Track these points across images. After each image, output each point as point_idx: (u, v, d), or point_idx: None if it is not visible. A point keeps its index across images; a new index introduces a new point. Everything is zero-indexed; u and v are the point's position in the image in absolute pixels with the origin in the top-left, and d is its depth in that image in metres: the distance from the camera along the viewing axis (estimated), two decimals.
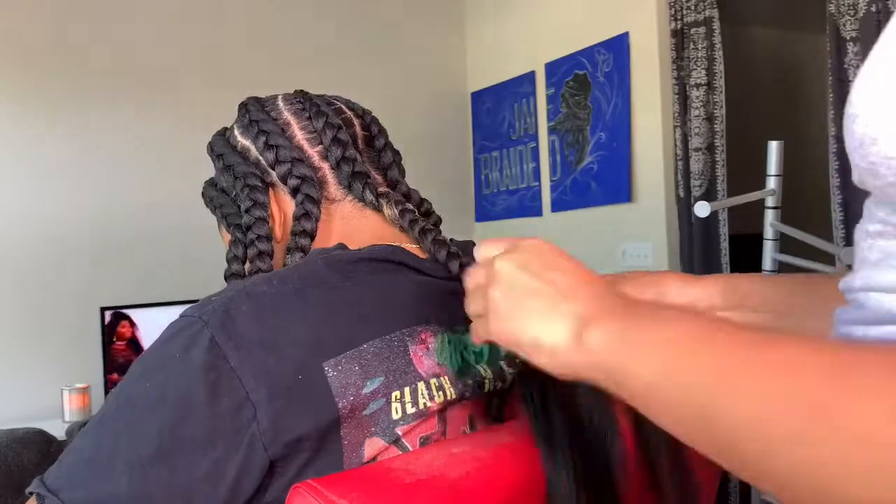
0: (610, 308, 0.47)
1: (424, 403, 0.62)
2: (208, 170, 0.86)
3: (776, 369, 0.36)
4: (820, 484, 0.33)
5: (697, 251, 2.51)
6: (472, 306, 0.57)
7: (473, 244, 0.80)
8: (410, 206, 0.77)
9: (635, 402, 0.44)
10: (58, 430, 2.09)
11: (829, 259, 2.07)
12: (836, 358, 0.35)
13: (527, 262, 0.52)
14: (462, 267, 0.71)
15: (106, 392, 2.52)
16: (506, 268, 0.52)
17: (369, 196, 0.77)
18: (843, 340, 0.42)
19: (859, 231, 0.47)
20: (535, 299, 0.50)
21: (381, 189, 0.78)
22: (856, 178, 0.44)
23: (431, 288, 0.70)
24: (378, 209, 0.77)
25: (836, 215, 2.17)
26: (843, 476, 0.32)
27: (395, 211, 0.76)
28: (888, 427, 0.31)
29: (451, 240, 0.78)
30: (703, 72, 2.51)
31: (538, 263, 0.51)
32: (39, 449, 1.64)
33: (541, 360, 0.49)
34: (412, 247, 0.74)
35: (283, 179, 0.77)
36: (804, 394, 0.34)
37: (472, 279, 0.57)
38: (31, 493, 0.58)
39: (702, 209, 1.87)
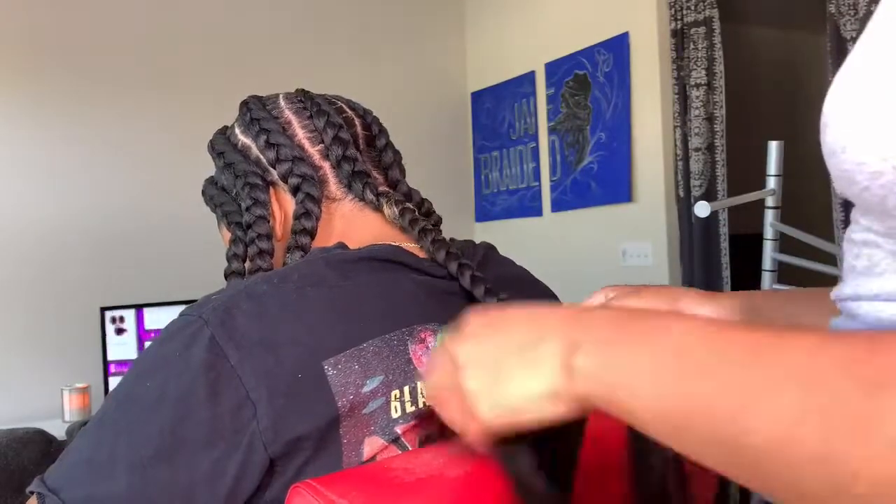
0: (586, 326, 0.43)
1: (424, 402, 0.62)
2: (209, 168, 0.86)
3: (792, 378, 0.33)
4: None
5: (697, 251, 2.51)
6: (447, 413, 0.50)
7: (473, 244, 0.80)
8: (410, 206, 0.77)
9: (643, 428, 0.39)
10: (58, 430, 2.09)
11: (829, 259, 2.07)
12: (852, 353, 0.32)
13: (479, 335, 0.48)
14: (461, 267, 0.71)
15: (106, 392, 2.52)
16: (464, 351, 0.48)
17: (369, 195, 0.77)
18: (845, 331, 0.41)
19: (846, 240, 0.47)
20: (509, 361, 0.45)
21: (382, 188, 0.78)
22: (837, 188, 0.45)
23: (431, 287, 0.70)
24: (378, 209, 0.77)
25: (837, 215, 2.17)
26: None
27: (395, 210, 0.76)
28: None
29: (451, 239, 0.78)
30: (703, 72, 2.51)
31: (489, 329, 0.47)
32: (39, 449, 1.64)
33: (547, 412, 0.44)
34: (412, 246, 0.74)
35: (284, 178, 0.77)
36: (828, 402, 0.31)
37: (435, 387, 0.51)
38: (31, 493, 0.58)
39: (702, 209, 1.87)
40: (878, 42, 0.40)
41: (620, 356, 0.40)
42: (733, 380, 0.34)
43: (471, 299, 0.74)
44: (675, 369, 0.37)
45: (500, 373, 0.45)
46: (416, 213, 0.76)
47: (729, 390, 0.34)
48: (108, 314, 2.53)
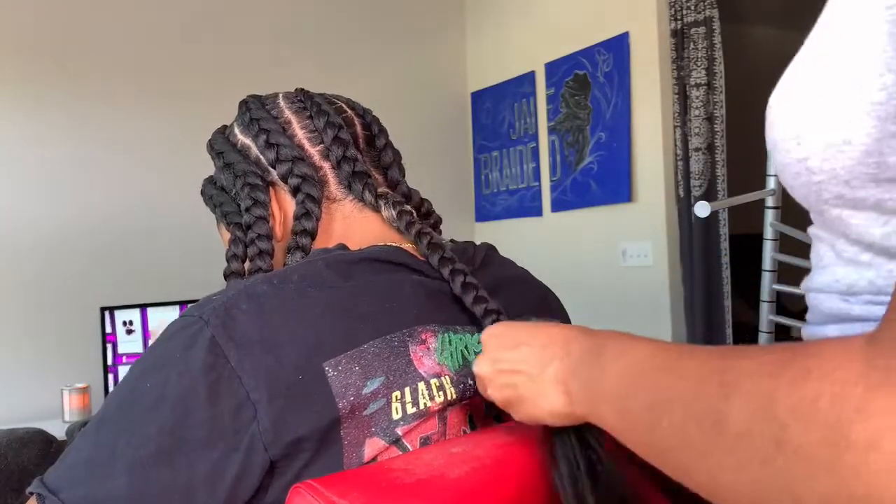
0: (578, 354, 0.52)
1: (425, 404, 0.62)
2: (209, 168, 0.86)
3: (679, 388, 0.41)
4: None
5: (697, 251, 2.51)
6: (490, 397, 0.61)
7: (474, 245, 0.80)
8: (408, 208, 0.77)
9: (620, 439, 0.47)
10: (58, 430, 2.08)
11: None
12: (717, 364, 0.39)
13: (495, 358, 0.58)
14: (453, 273, 0.70)
15: (106, 392, 2.52)
16: (485, 371, 0.59)
17: (369, 197, 0.77)
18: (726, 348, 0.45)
19: (811, 235, 0.49)
20: (523, 387, 0.55)
21: (381, 189, 0.78)
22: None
23: (432, 288, 0.70)
24: (377, 210, 0.77)
25: None
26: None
27: (393, 212, 0.76)
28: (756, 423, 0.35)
29: (450, 241, 0.78)
30: (703, 72, 2.51)
31: (502, 351, 0.57)
32: (39, 449, 1.64)
33: (565, 423, 0.54)
34: (413, 247, 0.74)
35: (284, 178, 0.77)
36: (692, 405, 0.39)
37: (479, 376, 0.61)
38: (31, 493, 0.58)
39: (702, 209, 1.87)
40: (810, 41, 0.43)
41: (594, 382, 0.49)
42: (649, 400, 0.42)
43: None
44: (620, 394, 0.46)
45: (518, 396, 0.56)
46: (414, 216, 0.76)
47: (649, 408, 0.42)
48: (118, 315, 2.53)
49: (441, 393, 0.63)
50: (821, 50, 0.42)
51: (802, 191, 0.43)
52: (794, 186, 0.43)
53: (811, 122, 0.41)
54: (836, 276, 0.45)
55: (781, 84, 0.45)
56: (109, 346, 2.52)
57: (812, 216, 0.47)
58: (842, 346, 0.33)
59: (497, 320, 0.67)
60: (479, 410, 0.68)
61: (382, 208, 0.76)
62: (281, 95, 0.83)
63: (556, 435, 0.55)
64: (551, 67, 3.04)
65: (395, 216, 0.76)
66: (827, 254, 0.46)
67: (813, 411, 0.32)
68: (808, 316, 0.49)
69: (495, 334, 0.60)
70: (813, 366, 0.33)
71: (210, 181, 0.85)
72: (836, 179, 0.40)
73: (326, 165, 0.78)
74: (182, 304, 2.59)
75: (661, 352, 0.44)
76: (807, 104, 0.41)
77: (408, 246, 0.74)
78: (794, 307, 2.56)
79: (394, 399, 0.61)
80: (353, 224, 0.77)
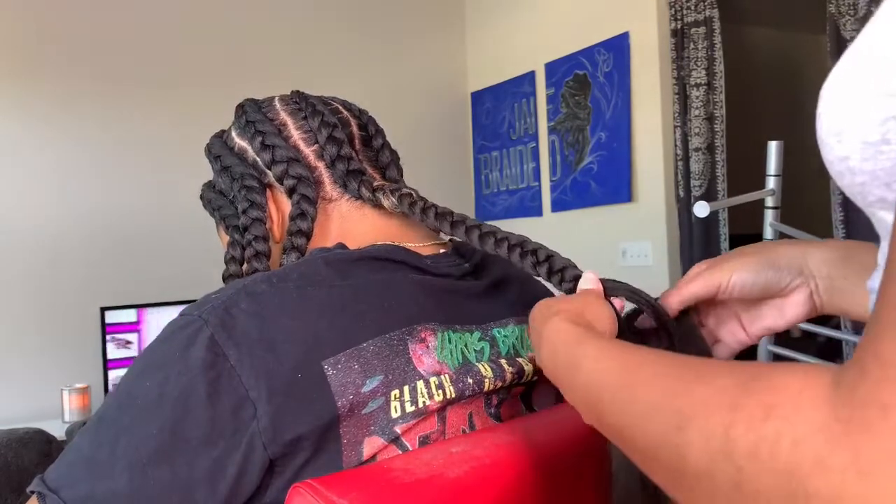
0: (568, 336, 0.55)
1: (424, 402, 0.62)
2: (209, 168, 0.86)
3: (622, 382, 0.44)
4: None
5: (697, 251, 2.51)
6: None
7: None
8: (407, 191, 0.76)
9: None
10: (58, 430, 2.08)
11: None
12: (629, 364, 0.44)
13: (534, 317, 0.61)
14: (468, 230, 0.71)
15: (106, 392, 2.52)
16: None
17: (365, 192, 0.77)
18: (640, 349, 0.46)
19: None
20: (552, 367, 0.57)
21: (377, 183, 0.78)
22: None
23: (431, 286, 0.70)
24: (377, 204, 0.77)
25: (836, 215, 2.17)
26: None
27: (394, 199, 0.75)
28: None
29: (449, 240, 0.78)
30: (703, 72, 2.51)
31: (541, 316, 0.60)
32: (39, 449, 1.64)
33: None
34: (413, 245, 0.74)
35: (280, 179, 0.77)
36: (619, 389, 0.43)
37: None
38: (31, 492, 0.58)
39: (702, 209, 1.87)
40: (863, 37, 0.40)
41: (571, 378, 0.51)
42: (611, 421, 0.44)
43: (473, 296, 0.74)
44: (587, 398, 0.48)
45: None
46: (414, 196, 0.76)
47: (612, 425, 0.44)
48: (108, 314, 2.53)
49: (440, 392, 0.63)
50: (868, 43, 0.39)
51: (849, 191, 0.41)
52: (842, 186, 0.41)
53: (851, 118, 0.38)
54: None
55: (832, 74, 0.42)
56: (110, 346, 2.52)
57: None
58: (806, 384, 0.31)
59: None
60: (479, 409, 0.68)
61: (382, 199, 0.76)
62: (277, 98, 0.83)
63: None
64: (551, 67, 3.04)
65: (396, 202, 0.75)
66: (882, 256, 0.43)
67: (771, 456, 0.31)
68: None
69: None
70: (774, 402, 0.32)
71: (209, 185, 0.85)
72: (878, 181, 0.38)
73: (321, 165, 0.78)
74: (182, 304, 2.59)
75: (619, 367, 0.45)
76: (848, 99, 0.39)
77: (409, 244, 0.74)
78: None
79: (393, 398, 0.61)
80: (351, 223, 0.77)
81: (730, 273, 0.65)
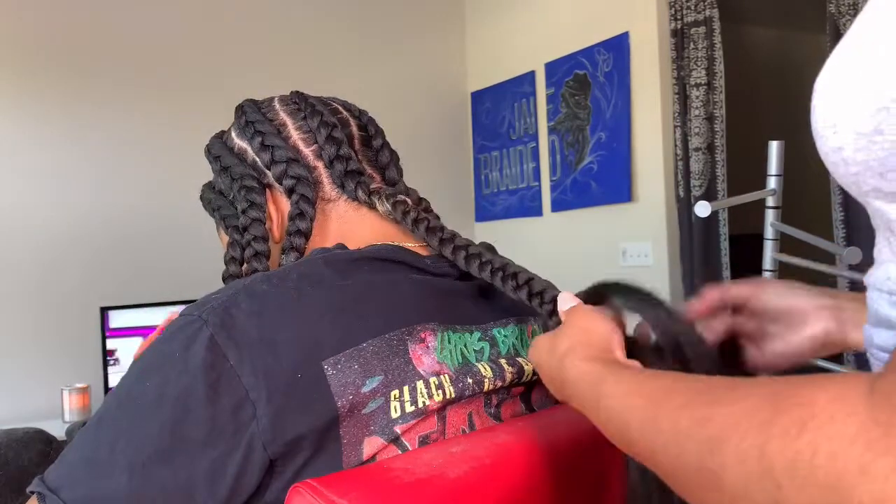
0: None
1: (423, 402, 0.62)
2: (208, 169, 0.86)
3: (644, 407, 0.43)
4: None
5: (697, 251, 2.51)
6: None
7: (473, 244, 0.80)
8: (402, 198, 0.77)
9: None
10: (58, 430, 2.08)
11: (829, 259, 2.07)
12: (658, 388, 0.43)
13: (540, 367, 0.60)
14: (456, 250, 0.71)
15: (106, 392, 2.51)
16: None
17: (362, 195, 0.77)
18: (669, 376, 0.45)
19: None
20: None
21: (374, 186, 0.78)
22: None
23: (431, 286, 0.70)
24: (373, 207, 0.77)
25: (837, 215, 2.17)
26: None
27: (388, 205, 0.76)
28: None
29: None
30: (703, 72, 2.51)
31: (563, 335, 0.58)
32: (39, 449, 1.64)
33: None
34: (413, 245, 0.74)
35: (279, 180, 0.77)
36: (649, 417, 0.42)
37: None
38: (31, 493, 0.58)
39: (702, 209, 1.87)
40: (855, 29, 0.41)
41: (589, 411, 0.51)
42: (637, 429, 0.43)
43: (473, 296, 0.74)
44: (616, 434, 0.47)
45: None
46: (409, 205, 0.76)
47: (637, 432, 0.43)
48: (108, 314, 2.53)
49: (440, 392, 0.63)
50: (860, 34, 0.39)
51: (843, 181, 0.41)
52: (837, 176, 0.41)
53: (845, 109, 0.39)
54: (888, 274, 0.42)
55: (826, 66, 0.42)
56: (109, 346, 2.52)
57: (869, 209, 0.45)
58: (839, 394, 0.31)
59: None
60: (479, 409, 0.68)
61: (377, 204, 0.77)
62: (276, 98, 0.83)
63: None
64: (551, 67, 3.04)
65: (389, 208, 0.76)
66: (884, 249, 0.43)
67: (810, 470, 0.30)
68: (867, 314, 0.47)
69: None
70: (807, 416, 0.31)
71: (209, 186, 0.85)
72: (871, 171, 0.38)
73: (320, 165, 0.78)
74: (182, 304, 2.59)
75: (644, 402, 0.44)
76: (842, 90, 0.39)
77: (408, 244, 0.74)
78: None
79: (392, 398, 0.61)
80: (350, 223, 0.77)
81: (760, 284, 0.66)
